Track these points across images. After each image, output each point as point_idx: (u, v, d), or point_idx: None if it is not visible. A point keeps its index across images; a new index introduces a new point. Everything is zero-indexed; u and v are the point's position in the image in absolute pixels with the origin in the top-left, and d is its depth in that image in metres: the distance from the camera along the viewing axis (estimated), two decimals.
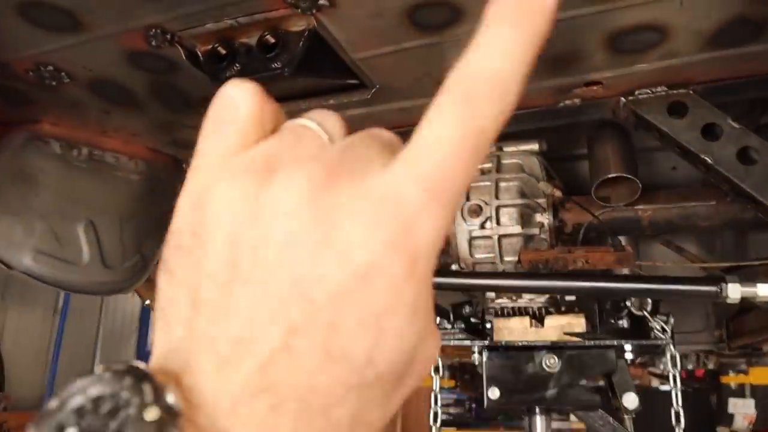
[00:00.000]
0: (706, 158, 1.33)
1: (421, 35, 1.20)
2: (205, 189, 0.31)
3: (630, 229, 1.65)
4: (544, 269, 1.57)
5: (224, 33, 1.20)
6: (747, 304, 1.42)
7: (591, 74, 1.35)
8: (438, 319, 1.79)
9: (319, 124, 0.35)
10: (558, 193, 1.61)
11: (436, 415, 1.81)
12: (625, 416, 1.62)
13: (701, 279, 1.42)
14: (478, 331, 1.79)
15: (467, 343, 1.75)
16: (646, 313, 1.64)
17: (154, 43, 1.22)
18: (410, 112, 1.54)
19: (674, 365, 1.64)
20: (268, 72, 1.19)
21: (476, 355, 1.72)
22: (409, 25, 1.16)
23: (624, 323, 1.69)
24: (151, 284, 2.02)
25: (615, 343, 1.59)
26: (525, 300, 1.72)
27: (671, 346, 1.60)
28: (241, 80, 0.34)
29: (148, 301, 2.11)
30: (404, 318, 0.29)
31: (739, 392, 5.83)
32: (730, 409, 5.89)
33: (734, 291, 1.29)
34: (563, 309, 1.73)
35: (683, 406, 1.64)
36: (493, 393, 1.65)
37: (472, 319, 1.81)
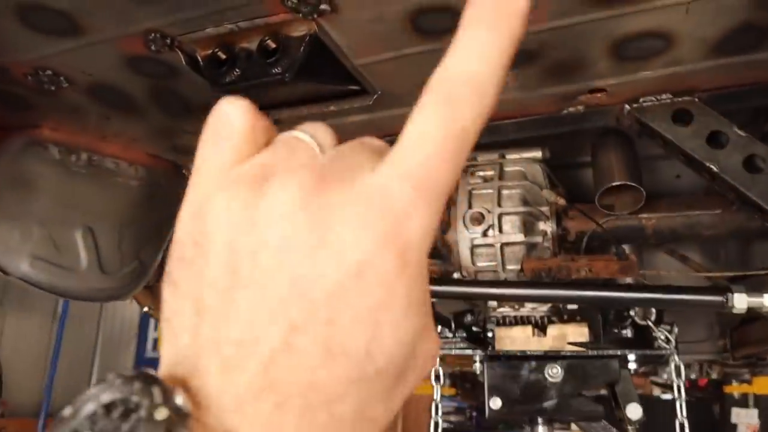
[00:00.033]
0: (712, 166, 1.31)
1: (423, 41, 1.18)
2: (204, 200, 0.33)
3: (634, 237, 1.63)
4: (547, 278, 1.55)
5: (224, 38, 1.19)
6: (752, 314, 1.40)
7: (595, 81, 1.34)
8: (439, 327, 1.77)
9: (311, 135, 0.36)
10: (561, 201, 1.59)
11: (437, 425, 1.78)
12: (629, 427, 1.59)
13: (707, 289, 1.40)
14: (479, 340, 1.78)
15: (468, 352, 1.73)
16: (650, 323, 1.62)
17: (153, 47, 1.21)
18: None
19: (678, 375, 1.62)
20: (269, 77, 1.18)
21: (477, 365, 1.70)
22: (412, 31, 1.15)
23: (627, 333, 1.67)
24: (149, 291, 2.00)
25: (618, 352, 1.57)
26: (527, 309, 1.70)
27: (675, 356, 1.58)
28: (235, 98, 0.35)
29: (146, 308, 2.09)
30: (399, 311, 0.30)
31: (743, 402, 5.79)
32: (733, 419, 5.85)
33: (740, 301, 1.27)
34: (566, 318, 1.71)
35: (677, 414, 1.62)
36: (495, 403, 1.63)
37: (474, 328, 1.79)
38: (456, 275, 1.67)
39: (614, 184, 1.48)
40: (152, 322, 8.79)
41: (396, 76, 1.32)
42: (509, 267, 1.62)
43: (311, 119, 1.47)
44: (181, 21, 1.15)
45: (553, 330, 1.67)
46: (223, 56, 1.21)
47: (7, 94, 1.48)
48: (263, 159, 0.34)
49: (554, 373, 1.61)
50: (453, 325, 1.77)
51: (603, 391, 1.71)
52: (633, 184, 1.48)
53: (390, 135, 1.71)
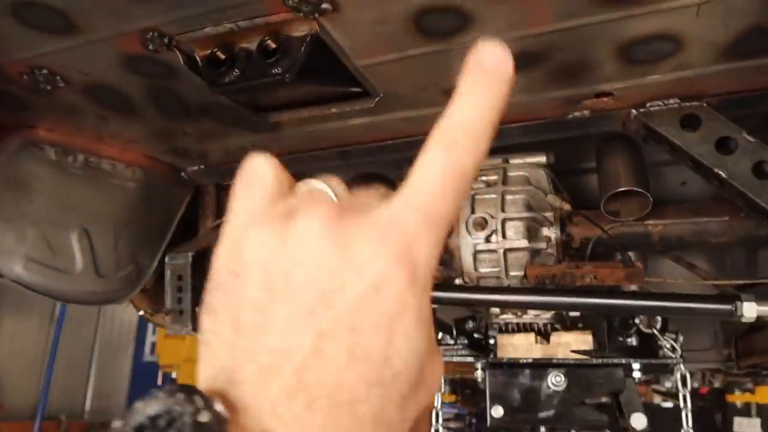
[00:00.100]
0: (720, 172, 1.28)
1: (427, 42, 1.16)
2: (240, 236, 0.38)
3: (639, 244, 1.60)
4: (551, 285, 1.52)
5: (224, 37, 1.16)
6: (759, 323, 1.37)
7: (601, 85, 1.31)
8: (440, 334, 1.74)
9: (326, 184, 0.42)
10: (566, 206, 1.56)
11: None
12: None
13: (715, 297, 1.37)
14: (481, 347, 1.75)
15: (470, 359, 1.70)
16: (655, 331, 1.59)
17: (151, 47, 1.18)
18: (415, 122, 1.50)
19: (684, 385, 1.59)
20: (269, 78, 1.15)
21: (479, 372, 1.68)
22: (415, 32, 1.12)
23: (632, 341, 1.64)
24: (146, 294, 1.97)
25: (623, 361, 1.54)
26: (530, 316, 1.67)
27: (682, 366, 1.55)
28: (263, 154, 0.42)
29: (142, 312, 2.06)
30: (411, 322, 0.36)
31: (745, 411, 5.75)
32: (736, 429, 5.81)
33: (750, 310, 1.24)
34: (569, 325, 1.68)
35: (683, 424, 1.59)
36: (497, 411, 1.60)
37: (476, 335, 1.76)
38: (458, 281, 1.64)
39: (621, 189, 1.45)
40: (150, 325, 8.75)
41: (399, 78, 1.29)
42: (512, 273, 1.59)
43: (312, 121, 1.44)
44: (179, 20, 1.12)
45: (556, 337, 1.64)
46: (222, 56, 1.18)
47: (2, 94, 1.45)
48: (288, 202, 0.40)
49: (557, 381, 1.58)
50: (454, 332, 1.74)
51: (603, 399, 1.69)
52: (640, 189, 1.45)
53: (392, 138, 1.70)
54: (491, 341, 1.71)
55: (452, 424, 7.09)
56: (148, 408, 0.31)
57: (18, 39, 1.21)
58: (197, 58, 1.21)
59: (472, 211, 1.62)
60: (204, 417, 0.31)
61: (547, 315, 1.66)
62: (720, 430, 5.99)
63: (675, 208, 1.59)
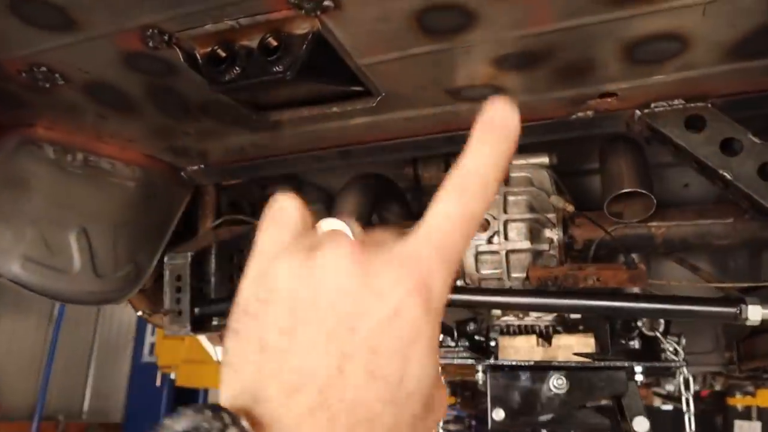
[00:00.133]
0: (725, 174, 1.27)
1: (430, 41, 1.15)
2: (267, 267, 0.42)
3: (642, 246, 1.59)
4: (553, 287, 1.51)
5: (224, 35, 1.15)
6: (761, 326, 1.35)
7: (606, 85, 1.30)
8: (441, 336, 1.72)
9: (345, 223, 0.46)
10: (570, 208, 1.55)
11: None
12: None
13: (720, 300, 1.36)
14: (482, 349, 1.73)
15: (471, 362, 1.68)
16: (658, 334, 1.58)
17: (151, 44, 1.17)
18: (416, 122, 1.48)
19: (687, 388, 1.58)
20: (269, 76, 1.14)
21: (480, 375, 1.66)
22: (418, 30, 1.11)
23: (635, 344, 1.63)
24: (144, 295, 1.95)
25: (626, 364, 1.53)
26: (532, 318, 1.66)
27: (685, 369, 1.54)
28: (288, 193, 0.47)
29: (141, 312, 2.05)
30: (425, 347, 0.39)
31: (746, 414, 5.74)
32: None
33: (755, 313, 1.23)
34: (571, 328, 1.67)
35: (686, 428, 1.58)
36: (498, 414, 1.58)
37: (477, 337, 1.75)
38: (459, 282, 1.63)
39: (624, 190, 1.44)
40: (149, 326, 8.73)
41: (401, 77, 1.28)
42: (514, 275, 1.58)
43: (313, 121, 1.42)
44: (179, 16, 1.11)
45: (558, 340, 1.63)
46: (223, 54, 1.17)
47: (1, 92, 1.44)
48: (312, 237, 0.44)
49: (559, 384, 1.56)
50: (455, 334, 1.73)
51: (603, 401, 1.67)
52: (643, 191, 1.44)
53: (393, 138, 1.68)
54: (492, 343, 1.70)
55: (452, 426, 7.08)
56: (177, 425, 0.34)
57: (16, 36, 1.20)
58: (197, 55, 1.19)
59: None
60: (232, 431, 0.34)
61: (549, 317, 1.65)
62: None
63: (678, 210, 1.58)
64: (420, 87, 1.32)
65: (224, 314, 1.80)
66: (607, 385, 1.55)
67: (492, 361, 1.62)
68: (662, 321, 1.58)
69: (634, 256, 1.52)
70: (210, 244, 1.84)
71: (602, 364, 1.54)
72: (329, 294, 0.39)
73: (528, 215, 1.56)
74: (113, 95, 1.42)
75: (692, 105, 1.32)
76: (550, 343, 1.64)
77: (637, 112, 1.37)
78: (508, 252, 1.57)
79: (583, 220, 1.61)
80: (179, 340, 7.36)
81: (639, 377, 1.55)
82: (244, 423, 0.34)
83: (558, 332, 1.65)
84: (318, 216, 0.47)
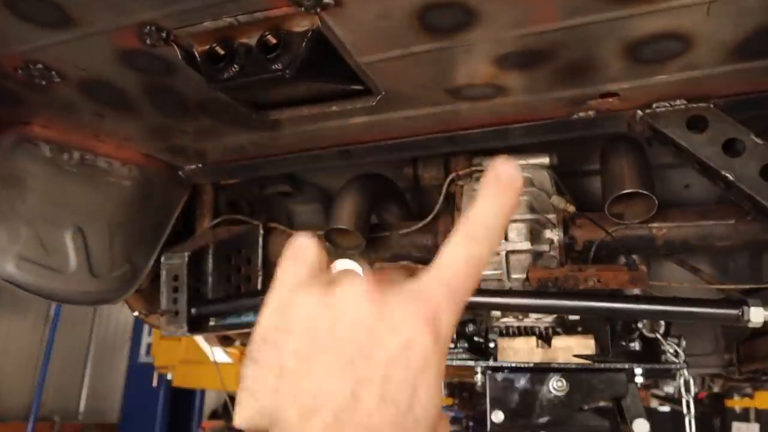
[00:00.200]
0: (728, 175, 1.26)
1: (431, 39, 1.13)
2: (287, 299, 0.46)
3: (643, 247, 1.58)
4: (554, 288, 1.49)
5: (223, 32, 1.13)
6: (762, 328, 1.35)
7: (607, 85, 1.29)
8: None
9: (358, 263, 0.52)
10: (571, 208, 1.54)
11: None
12: None
13: (722, 302, 1.35)
14: (481, 350, 1.72)
15: (470, 363, 1.67)
16: (659, 336, 1.57)
17: (148, 41, 1.15)
18: (416, 121, 1.47)
19: (688, 391, 1.57)
20: (268, 74, 1.12)
21: (479, 376, 1.65)
22: (419, 28, 1.10)
23: (635, 345, 1.62)
24: (140, 295, 1.94)
25: (626, 366, 1.51)
26: (531, 319, 1.65)
27: (685, 371, 1.52)
28: (308, 233, 0.51)
29: (137, 312, 2.03)
30: (432, 378, 0.42)
31: (744, 416, 5.73)
32: None
33: (757, 315, 1.22)
34: (571, 329, 1.66)
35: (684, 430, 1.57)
36: (497, 416, 1.57)
37: (476, 339, 1.73)
38: None
39: (626, 191, 1.43)
40: (146, 326, 8.70)
41: (401, 76, 1.27)
42: (514, 276, 1.57)
43: (312, 120, 1.41)
44: (177, 13, 1.10)
45: (557, 341, 1.61)
46: (221, 51, 1.15)
47: None
48: (328, 274, 0.49)
49: (558, 386, 1.55)
50: (454, 335, 1.72)
51: (601, 402, 1.66)
52: (645, 191, 1.43)
53: (393, 138, 1.67)
54: (491, 345, 1.69)
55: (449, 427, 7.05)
56: None
57: (13, 32, 1.19)
58: (195, 53, 1.18)
59: None
60: None
61: (549, 318, 1.63)
62: None
63: (679, 211, 1.57)
64: (420, 86, 1.31)
65: (221, 315, 1.79)
66: (607, 387, 1.53)
67: (491, 362, 1.61)
68: (662, 323, 1.57)
69: (634, 257, 1.50)
70: (207, 244, 1.83)
71: (602, 365, 1.53)
72: (347, 325, 0.43)
73: (528, 216, 1.54)
74: (110, 93, 1.40)
75: (694, 105, 1.31)
76: (549, 345, 1.63)
77: (639, 112, 1.36)
78: (508, 253, 1.56)
79: (583, 220, 1.60)
80: (176, 341, 7.33)
81: (639, 379, 1.54)
82: None
83: (558, 334, 1.64)
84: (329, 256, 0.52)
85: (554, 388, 1.55)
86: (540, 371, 1.55)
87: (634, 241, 1.57)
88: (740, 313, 1.23)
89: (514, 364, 1.57)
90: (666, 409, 5.72)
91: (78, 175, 1.68)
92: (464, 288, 0.47)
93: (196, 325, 1.74)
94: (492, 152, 1.66)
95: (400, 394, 0.41)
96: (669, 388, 4.11)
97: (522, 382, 1.57)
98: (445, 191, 1.70)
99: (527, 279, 1.54)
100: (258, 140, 1.62)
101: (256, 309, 1.72)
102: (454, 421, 7.15)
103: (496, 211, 0.49)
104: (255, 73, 1.13)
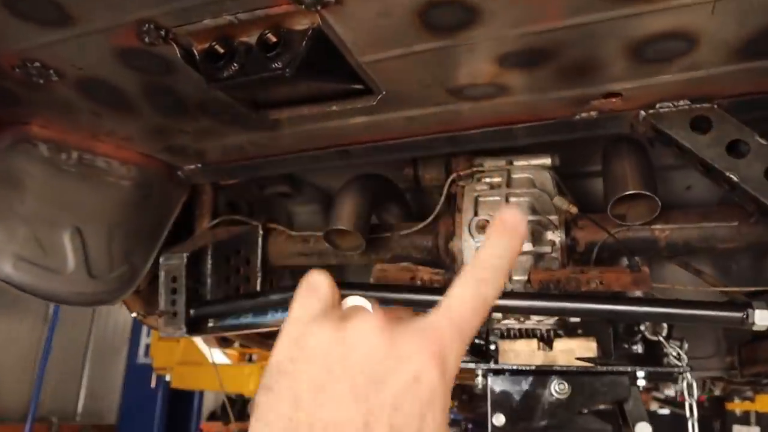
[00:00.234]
0: (732, 176, 1.25)
1: (432, 38, 1.12)
2: (301, 332, 0.49)
3: (646, 249, 1.56)
4: (555, 290, 1.48)
5: (223, 30, 1.12)
6: (765, 331, 1.33)
7: (610, 85, 1.28)
8: None
9: (367, 301, 0.54)
10: (573, 209, 1.52)
11: None
12: None
13: (726, 304, 1.34)
14: (482, 352, 1.70)
15: (471, 365, 1.66)
16: (661, 338, 1.55)
17: (147, 39, 1.14)
18: (417, 121, 1.46)
19: (691, 394, 1.55)
20: (268, 73, 1.11)
21: (480, 379, 1.63)
22: (420, 26, 1.09)
23: (638, 348, 1.60)
24: (139, 296, 1.92)
25: (628, 369, 1.50)
26: (533, 322, 1.63)
27: (688, 374, 1.51)
28: (322, 271, 0.54)
29: (135, 313, 2.02)
30: (438, 411, 0.45)
31: (744, 419, 5.72)
32: None
33: (762, 317, 1.21)
34: (573, 331, 1.64)
35: None
36: (498, 420, 1.56)
37: (476, 340, 1.72)
38: None
39: (629, 192, 1.41)
40: (145, 327, 8.68)
41: (402, 75, 1.26)
42: (515, 278, 1.55)
43: (312, 119, 1.39)
44: (176, 11, 1.09)
45: (559, 344, 1.60)
46: (221, 50, 1.14)
47: None
48: (340, 310, 0.52)
49: (560, 389, 1.54)
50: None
51: (603, 406, 1.65)
52: (648, 193, 1.42)
53: (394, 138, 1.65)
54: (492, 347, 1.67)
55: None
56: None
57: (10, 30, 1.17)
58: (195, 51, 1.17)
59: (475, 214, 1.59)
60: None
61: (550, 321, 1.62)
62: None
63: (682, 213, 1.56)
64: (421, 85, 1.30)
65: (220, 316, 1.78)
66: (609, 390, 1.52)
67: (492, 365, 1.60)
68: (665, 325, 1.56)
69: (637, 259, 1.49)
70: (206, 244, 1.81)
71: (604, 368, 1.52)
72: (359, 358, 0.46)
73: (530, 217, 1.53)
74: (108, 92, 1.39)
75: (698, 106, 1.30)
76: (551, 347, 1.62)
77: (642, 112, 1.35)
78: None
79: (585, 222, 1.58)
80: (174, 342, 7.32)
81: (642, 382, 1.53)
82: None
83: (559, 336, 1.62)
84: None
85: (556, 391, 1.54)
86: (541, 374, 1.53)
87: (637, 242, 1.55)
88: (745, 316, 1.22)
89: (515, 367, 1.56)
90: (666, 412, 5.71)
91: (76, 175, 1.66)
92: (470, 326, 0.50)
93: (195, 327, 1.73)
94: (492, 153, 1.65)
95: (409, 424, 0.43)
96: (669, 391, 4.09)
97: (523, 385, 1.56)
98: (446, 192, 1.68)
99: (529, 281, 1.53)
100: (257, 140, 1.61)
101: (255, 310, 1.70)
102: (453, 423, 7.12)
103: (502, 254, 0.53)
104: (255, 72, 1.12)
